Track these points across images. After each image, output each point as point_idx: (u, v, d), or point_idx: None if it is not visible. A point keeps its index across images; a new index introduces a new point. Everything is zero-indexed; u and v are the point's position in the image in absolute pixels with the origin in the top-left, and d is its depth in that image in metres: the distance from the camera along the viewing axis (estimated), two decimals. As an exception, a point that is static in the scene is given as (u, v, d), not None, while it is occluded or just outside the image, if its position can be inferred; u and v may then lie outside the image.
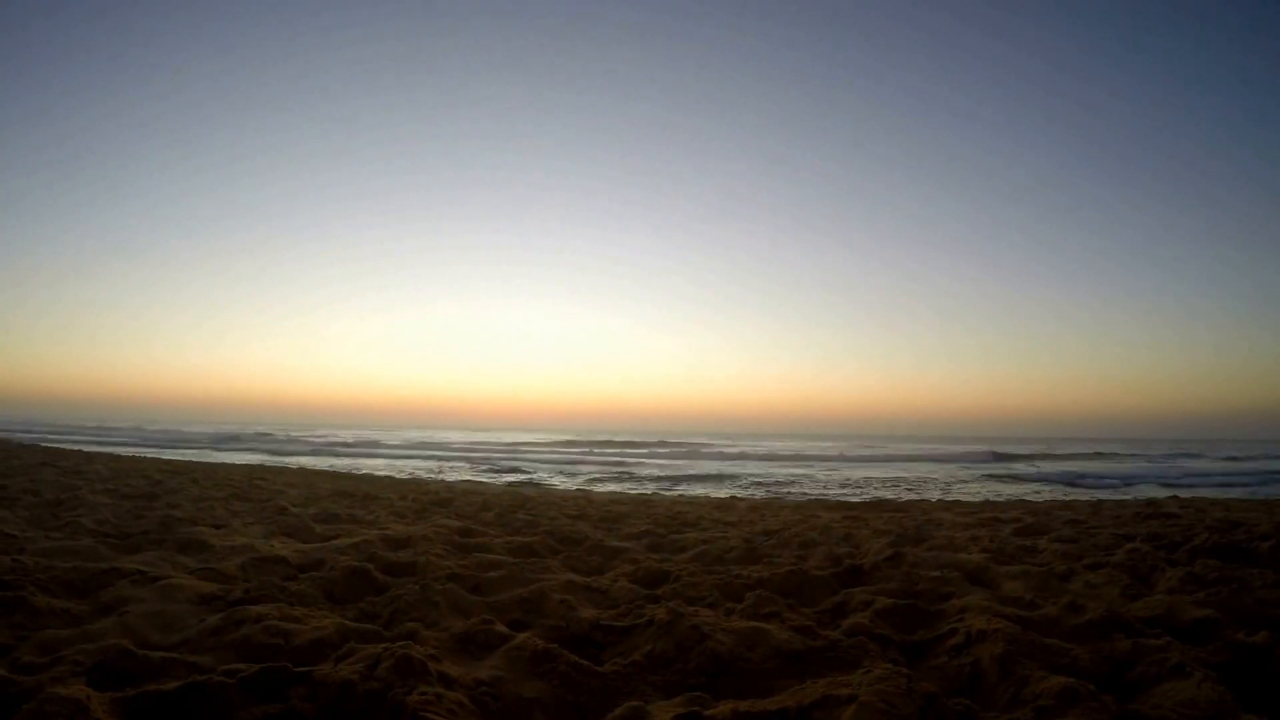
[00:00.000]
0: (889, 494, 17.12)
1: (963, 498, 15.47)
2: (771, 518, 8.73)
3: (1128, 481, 23.09)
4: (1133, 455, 46.15)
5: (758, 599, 3.64)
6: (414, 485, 13.68)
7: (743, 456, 41.92)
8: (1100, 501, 12.02)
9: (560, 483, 19.97)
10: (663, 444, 58.95)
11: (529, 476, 22.38)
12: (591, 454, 41.42)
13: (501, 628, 3.05)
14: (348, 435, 68.99)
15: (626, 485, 19.85)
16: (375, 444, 48.28)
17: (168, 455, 25.17)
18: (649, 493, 16.09)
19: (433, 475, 20.87)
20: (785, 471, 27.77)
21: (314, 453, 37.19)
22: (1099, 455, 45.80)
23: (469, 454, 38.60)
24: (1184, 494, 14.07)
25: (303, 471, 17.90)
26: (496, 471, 24.93)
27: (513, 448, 47.75)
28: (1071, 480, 23.59)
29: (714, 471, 27.20)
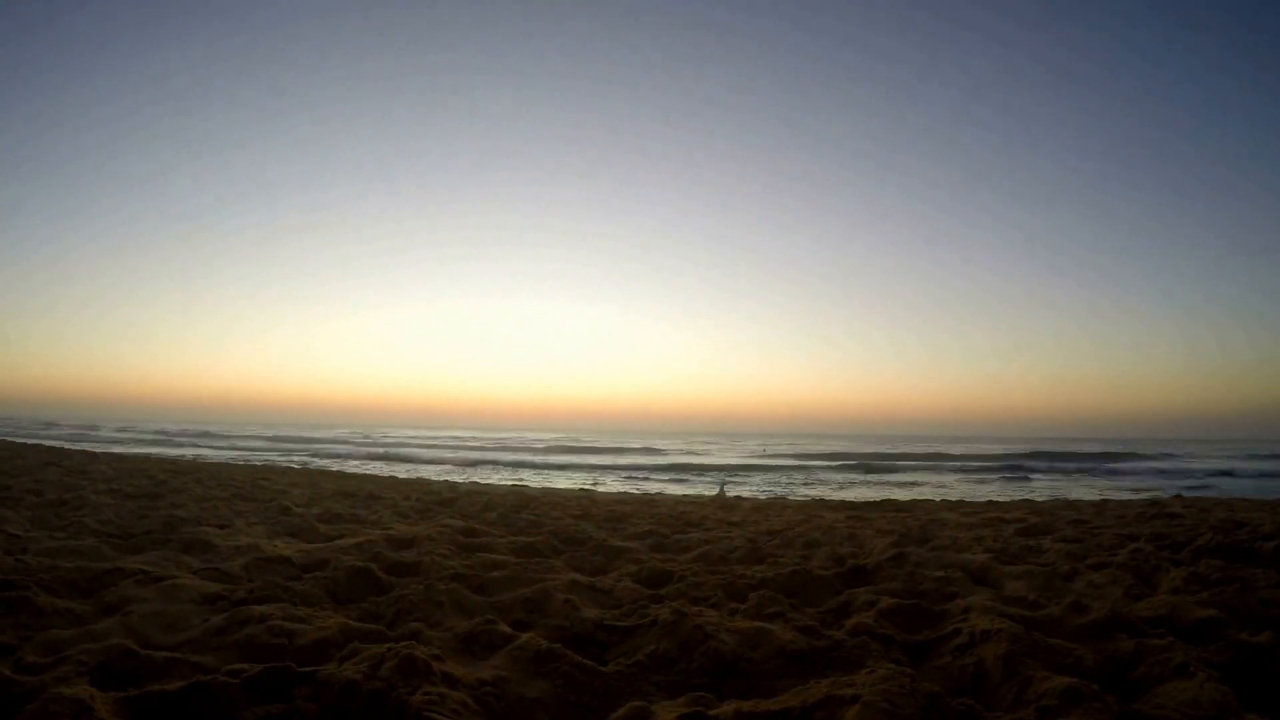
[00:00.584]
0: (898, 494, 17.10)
1: (967, 498, 15.45)
2: (775, 518, 8.72)
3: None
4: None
5: (761, 599, 3.64)
6: (417, 485, 13.69)
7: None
8: (1104, 501, 12.00)
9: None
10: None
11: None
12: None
13: (505, 628, 3.05)
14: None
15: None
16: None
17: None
18: (652, 493, 16.09)
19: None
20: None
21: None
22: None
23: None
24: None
25: (306, 471, 17.93)
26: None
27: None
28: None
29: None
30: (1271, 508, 9.10)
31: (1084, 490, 19.71)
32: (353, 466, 25.30)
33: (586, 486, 18.67)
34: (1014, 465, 35.14)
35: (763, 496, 15.97)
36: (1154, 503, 10.55)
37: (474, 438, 70.67)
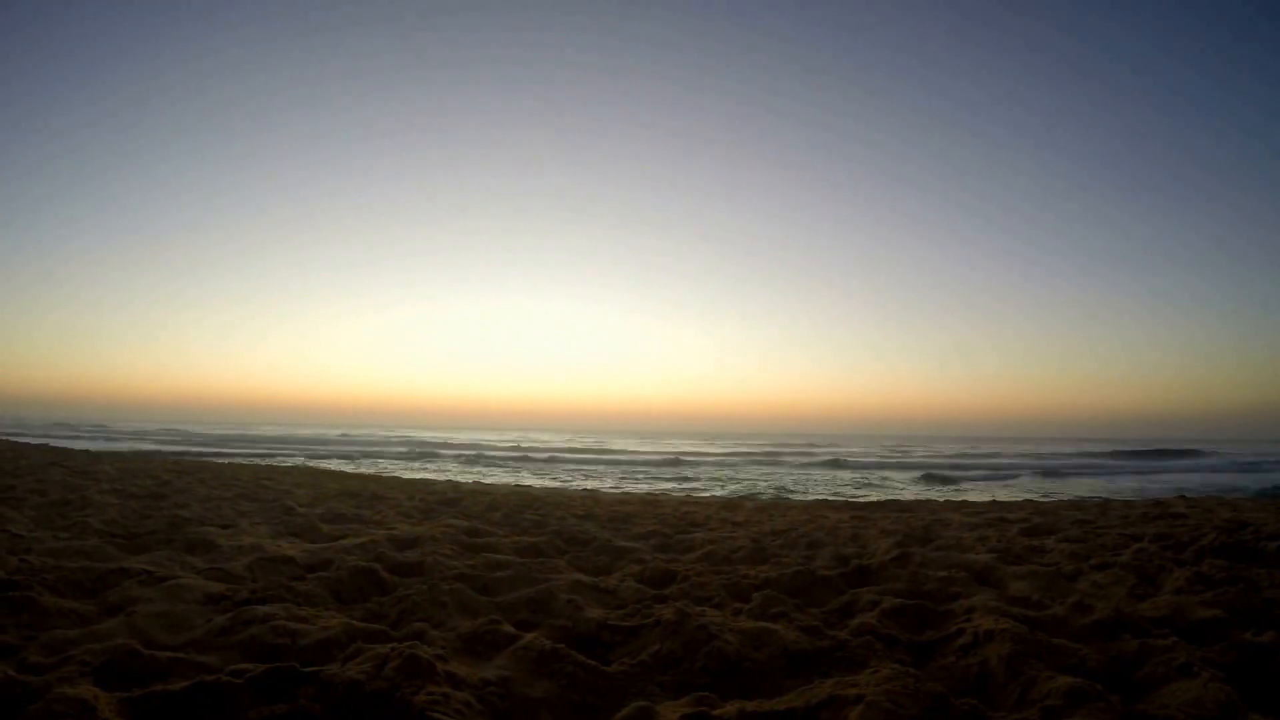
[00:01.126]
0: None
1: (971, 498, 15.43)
2: (779, 518, 8.72)
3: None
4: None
5: (765, 599, 3.64)
6: (421, 485, 13.70)
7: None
8: (1108, 501, 11.99)
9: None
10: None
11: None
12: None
13: (509, 628, 3.05)
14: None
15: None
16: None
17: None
18: (656, 493, 16.09)
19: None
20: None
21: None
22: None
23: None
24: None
25: (310, 471, 17.94)
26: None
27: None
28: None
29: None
30: (1276, 508, 9.07)
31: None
32: (350, 466, 25.32)
33: (590, 486, 18.68)
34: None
35: (767, 496, 15.94)
36: (1158, 503, 10.53)
37: (478, 439, 70.61)
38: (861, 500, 13.59)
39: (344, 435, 68.62)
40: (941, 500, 13.54)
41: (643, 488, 19.10)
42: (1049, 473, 29.86)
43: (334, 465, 25.33)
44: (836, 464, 34.35)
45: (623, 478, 23.83)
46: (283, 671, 2.28)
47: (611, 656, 2.96)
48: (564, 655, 2.69)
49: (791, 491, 18.65)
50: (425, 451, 40.01)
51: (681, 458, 37.22)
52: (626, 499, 12.37)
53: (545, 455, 39.15)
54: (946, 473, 28.07)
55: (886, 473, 29.33)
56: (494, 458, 35.92)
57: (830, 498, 15.67)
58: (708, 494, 16.63)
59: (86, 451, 20.09)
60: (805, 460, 38.11)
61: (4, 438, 27.73)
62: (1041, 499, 13.99)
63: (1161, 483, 23.23)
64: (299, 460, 28.61)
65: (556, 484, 19.63)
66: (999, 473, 29.44)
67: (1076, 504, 11.32)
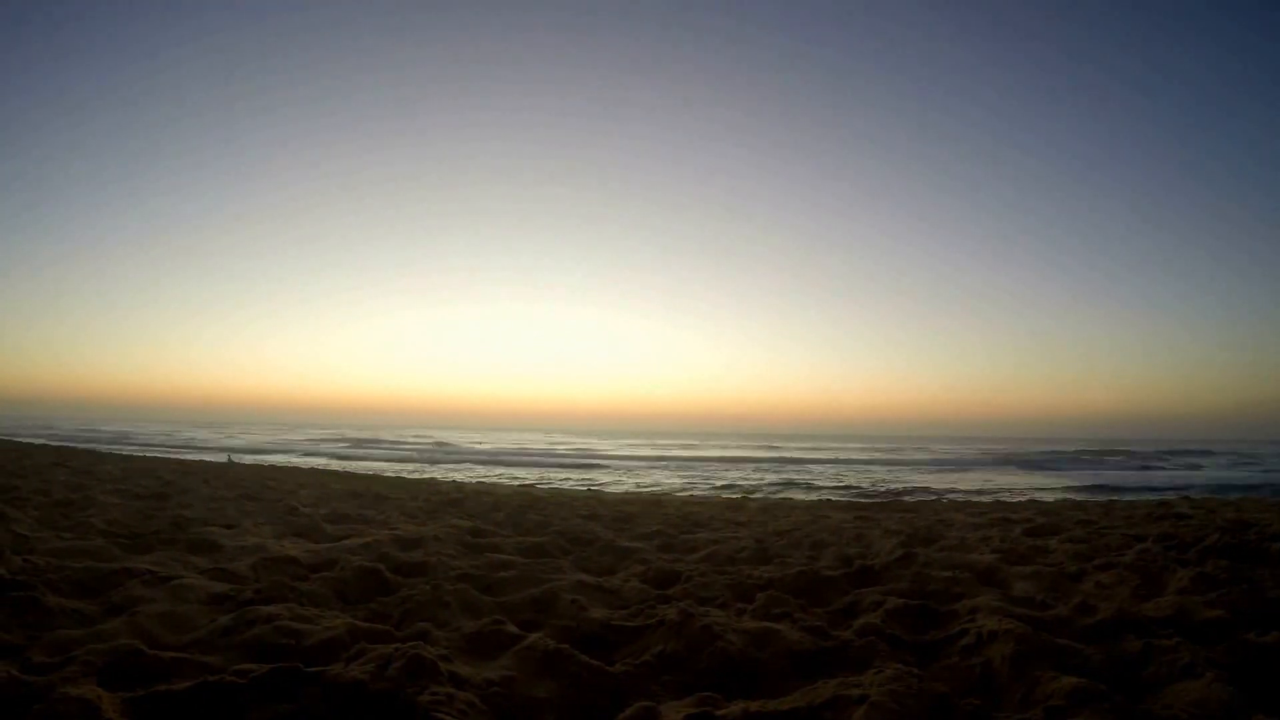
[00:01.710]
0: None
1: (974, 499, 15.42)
2: (782, 518, 8.72)
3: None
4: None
5: (769, 599, 3.64)
6: (425, 485, 13.71)
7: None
8: (1112, 502, 11.96)
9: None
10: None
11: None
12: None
13: (512, 628, 3.05)
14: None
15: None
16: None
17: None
18: (660, 493, 16.09)
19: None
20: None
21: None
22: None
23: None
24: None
25: (314, 472, 17.97)
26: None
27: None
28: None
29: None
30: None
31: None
32: (356, 467, 25.35)
33: (593, 486, 18.68)
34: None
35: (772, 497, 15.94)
36: (1161, 503, 10.51)
37: (478, 439, 70.59)
38: (865, 501, 13.58)
39: (375, 437, 68.26)
40: (945, 501, 13.53)
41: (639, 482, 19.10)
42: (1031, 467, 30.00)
43: (333, 465, 25.38)
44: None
45: (618, 473, 23.85)
46: (286, 672, 2.28)
47: (615, 657, 2.96)
48: (567, 655, 2.69)
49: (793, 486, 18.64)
50: (427, 452, 40.07)
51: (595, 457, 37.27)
52: (630, 499, 12.37)
53: (547, 455, 39.17)
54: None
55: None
56: (500, 458, 35.94)
57: (834, 498, 15.66)
58: (712, 494, 16.63)
59: (91, 451, 20.14)
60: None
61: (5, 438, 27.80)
62: (1044, 499, 13.96)
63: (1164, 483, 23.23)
64: (294, 456, 28.89)
65: (560, 484, 19.64)
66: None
67: (1080, 504, 11.30)
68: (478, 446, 49.33)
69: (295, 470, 18.09)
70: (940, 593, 4.00)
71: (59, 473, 10.89)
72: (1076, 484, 22.06)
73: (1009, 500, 13.83)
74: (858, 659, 2.83)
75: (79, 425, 76.54)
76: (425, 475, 20.09)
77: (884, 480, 24.48)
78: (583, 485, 18.84)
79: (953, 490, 19.40)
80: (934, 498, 15.70)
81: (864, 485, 21.95)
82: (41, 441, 26.43)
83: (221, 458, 21.94)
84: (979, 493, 18.08)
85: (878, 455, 45.56)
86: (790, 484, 22.22)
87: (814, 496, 16.49)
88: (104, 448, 26.18)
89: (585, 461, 35.12)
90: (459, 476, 20.42)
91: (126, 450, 26.42)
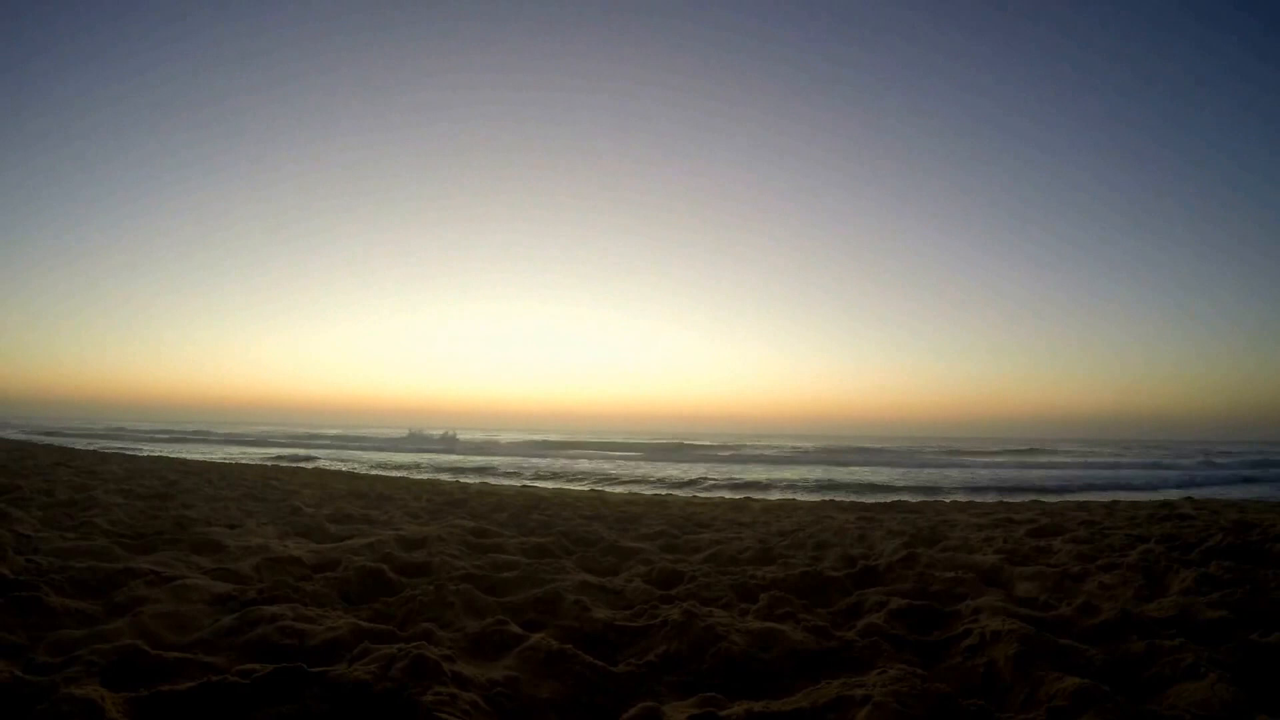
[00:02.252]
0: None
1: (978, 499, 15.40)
2: (785, 519, 8.72)
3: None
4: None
5: (772, 600, 3.64)
6: (428, 486, 13.72)
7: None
8: (1115, 502, 11.94)
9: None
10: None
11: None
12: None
13: (516, 628, 3.05)
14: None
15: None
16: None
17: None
18: (663, 493, 16.09)
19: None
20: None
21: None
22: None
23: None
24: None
25: (317, 472, 17.99)
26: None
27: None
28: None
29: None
30: (1284, 508, 9.03)
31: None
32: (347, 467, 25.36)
33: (596, 487, 18.70)
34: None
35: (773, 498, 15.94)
36: (1165, 504, 10.50)
37: (483, 440, 70.59)
38: (868, 501, 13.57)
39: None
40: (948, 501, 13.52)
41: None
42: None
43: (332, 464, 25.41)
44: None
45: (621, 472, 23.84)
46: (290, 672, 2.29)
47: (619, 657, 2.96)
48: (571, 656, 2.69)
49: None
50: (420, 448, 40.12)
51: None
52: (633, 499, 12.37)
53: (551, 456, 39.16)
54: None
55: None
56: (502, 458, 35.96)
57: (837, 498, 15.65)
58: (715, 494, 16.62)
59: (94, 451, 20.18)
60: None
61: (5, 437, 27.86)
62: (1048, 499, 13.95)
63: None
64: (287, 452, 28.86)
65: (563, 483, 19.64)
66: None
67: (1083, 505, 11.28)
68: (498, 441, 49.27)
69: (298, 470, 18.11)
70: (943, 593, 4.00)
71: (62, 472, 10.91)
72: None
73: (1012, 501, 13.82)
74: (861, 659, 2.83)
75: (76, 423, 76.62)
76: (427, 476, 20.09)
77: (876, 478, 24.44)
78: (585, 486, 18.85)
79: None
80: (934, 498, 15.69)
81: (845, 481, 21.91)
82: (44, 441, 26.49)
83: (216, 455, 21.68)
84: (982, 491, 18.06)
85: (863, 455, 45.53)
86: (795, 486, 22.21)
87: (818, 497, 16.49)
88: (98, 444, 26.19)
89: (586, 463, 35.18)
90: (472, 468, 20.43)
91: (112, 446, 26.43)
